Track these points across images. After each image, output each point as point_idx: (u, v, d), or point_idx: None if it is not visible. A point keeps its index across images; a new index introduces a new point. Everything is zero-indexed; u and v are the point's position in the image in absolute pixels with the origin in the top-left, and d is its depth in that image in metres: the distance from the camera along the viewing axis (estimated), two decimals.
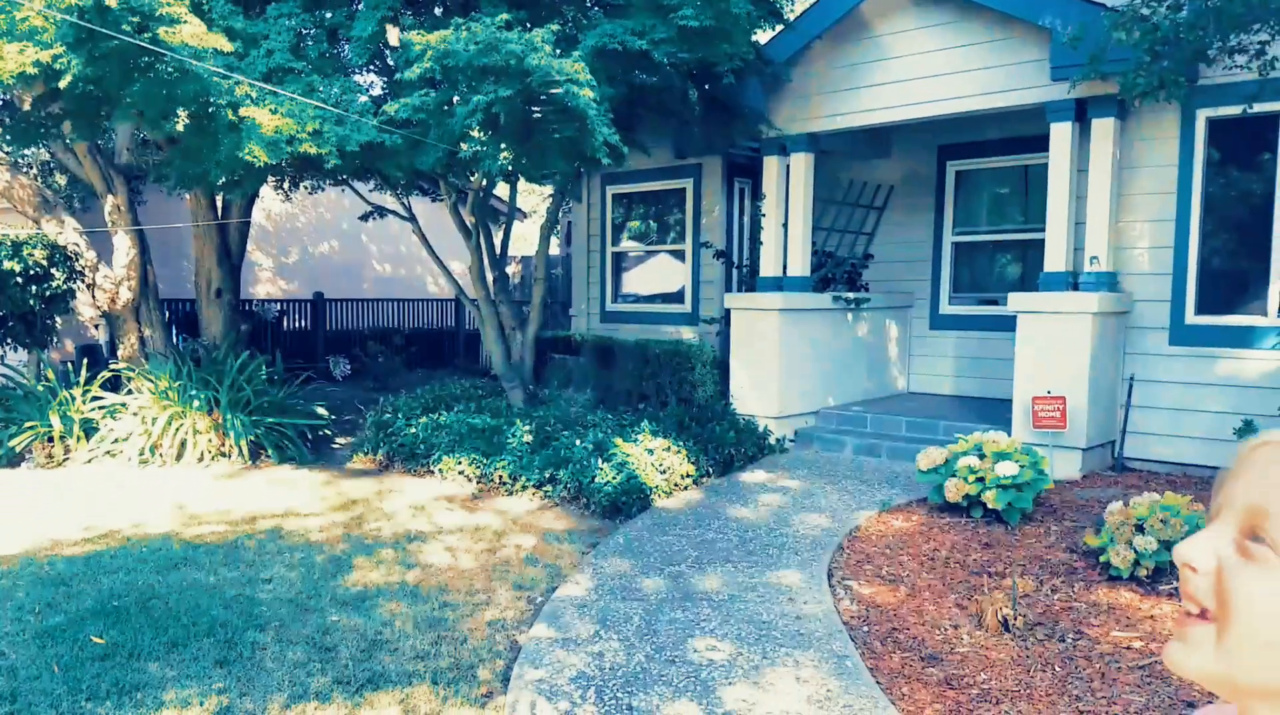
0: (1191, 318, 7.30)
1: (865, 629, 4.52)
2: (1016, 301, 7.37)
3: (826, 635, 4.41)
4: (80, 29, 5.25)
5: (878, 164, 10.07)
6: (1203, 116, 7.09)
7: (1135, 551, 4.93)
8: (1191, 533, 4.96)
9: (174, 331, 10.97)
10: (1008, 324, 7.89)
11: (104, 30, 5.21)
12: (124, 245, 9.06)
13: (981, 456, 6.26)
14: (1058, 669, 4.03)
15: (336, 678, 3.91)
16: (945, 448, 6.53)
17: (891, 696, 3.81)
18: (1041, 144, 7.75)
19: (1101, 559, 5.10)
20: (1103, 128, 7.19)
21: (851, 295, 9.10)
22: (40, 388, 8.45)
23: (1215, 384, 7.15)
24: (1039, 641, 4.32)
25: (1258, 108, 6.35)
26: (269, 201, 14.79)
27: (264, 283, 16.11)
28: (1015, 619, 4.47)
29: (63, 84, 5.59)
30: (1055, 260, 7.39)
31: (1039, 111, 7.44)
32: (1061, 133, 7.33)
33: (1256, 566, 0.73)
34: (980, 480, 6.10)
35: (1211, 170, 7.20)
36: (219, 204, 9.57)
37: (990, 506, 6.01)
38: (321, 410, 9.17)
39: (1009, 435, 7.05)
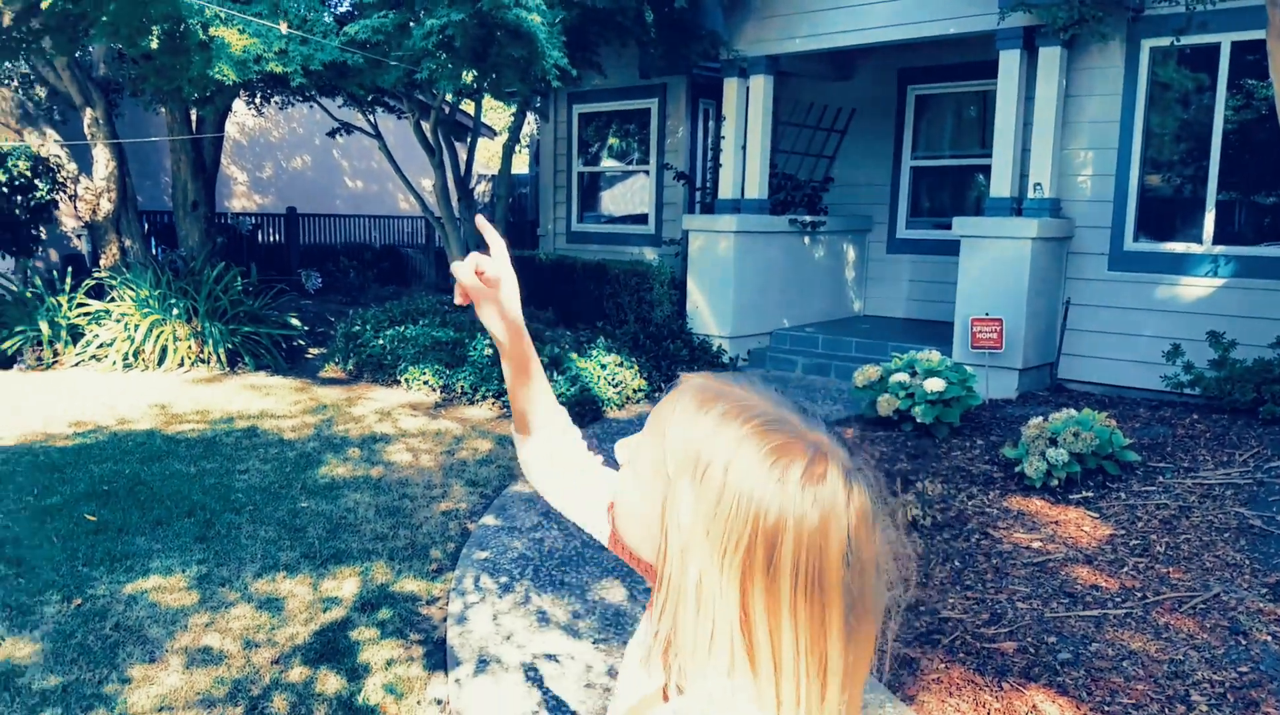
0: (1130, 244, 7.56)
1: None
2: (961, 226, 7.68)
3: None
4: None
5: (839, 87, 10.15)
6: (1147, 46, 7.23)
7: (1048, 462, 5.19)
8: (1103, 446, 5.37)
9: (153, 243, 11.20)
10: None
11: None
12: (103, 157, 9.25)
13: (913, 374, 6.65)
14: (957, 563, 4.47)
15: (304, 553, 4.37)
16: (881, 366, 6.93)
17: None
18: (997, 71, 7.79)
19: (1017, 469, 5.40)
20: (1049, 56, 7.36)
21: (808, 218, 9.34)
22: (29, 294, 8.75)
23: (1150, 309, 7.43)
24: (945, 540, 4.78)
25: (1201, 38, 6.47)
26: (242, 116, 14.82)
27: (239, 197, 16.22)
28: (924, 519, 4.94)
29: (44, 3, 5.79)
30: (1000, 186, 7.66)
31: (993, 39, 7.60)
32: (1010, 61, 7.52)
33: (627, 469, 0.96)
34: (910, 396, 6.51)
35: (1154, 100, 7.39)
36: (193, 118, 9.72)
37: (919, 421, 6.42)
38: (295, 321, 9.49)
39: (949, 356, 7.45)
